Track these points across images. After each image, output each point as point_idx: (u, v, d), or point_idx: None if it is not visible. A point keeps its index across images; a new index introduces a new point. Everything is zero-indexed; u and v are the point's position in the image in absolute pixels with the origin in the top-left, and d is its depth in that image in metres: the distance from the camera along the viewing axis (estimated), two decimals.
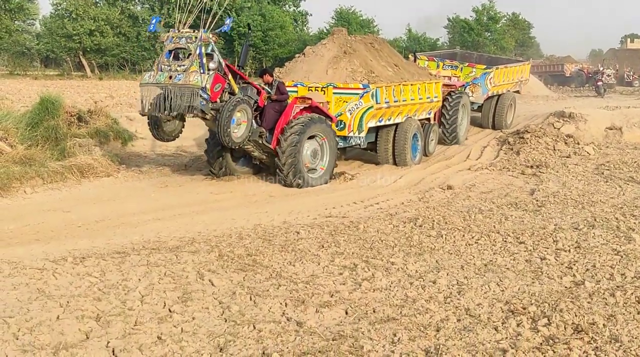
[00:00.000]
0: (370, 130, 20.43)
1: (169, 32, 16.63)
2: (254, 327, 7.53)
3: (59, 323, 7.36)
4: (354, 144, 20.32)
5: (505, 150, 23.01)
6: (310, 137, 17.90)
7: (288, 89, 19.14)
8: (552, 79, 68.72)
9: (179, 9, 16.91)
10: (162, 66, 16.14)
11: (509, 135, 24.68)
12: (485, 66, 29.19)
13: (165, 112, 15.78)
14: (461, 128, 25.80)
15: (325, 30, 75.09)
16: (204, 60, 15.95)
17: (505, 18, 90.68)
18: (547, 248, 10.97)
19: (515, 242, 11.36)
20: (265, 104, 17.67)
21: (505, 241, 11.39)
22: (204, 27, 16.13)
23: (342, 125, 19.39)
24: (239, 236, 11.77)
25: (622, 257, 10.39)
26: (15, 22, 68.60)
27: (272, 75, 18.40)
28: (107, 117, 21.88)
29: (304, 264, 9.99)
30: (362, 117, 19.30)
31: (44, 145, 17.94)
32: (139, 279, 8.94)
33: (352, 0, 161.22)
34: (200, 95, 15.65)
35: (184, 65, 15.89)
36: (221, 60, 16.39)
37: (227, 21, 16.57)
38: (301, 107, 17.96)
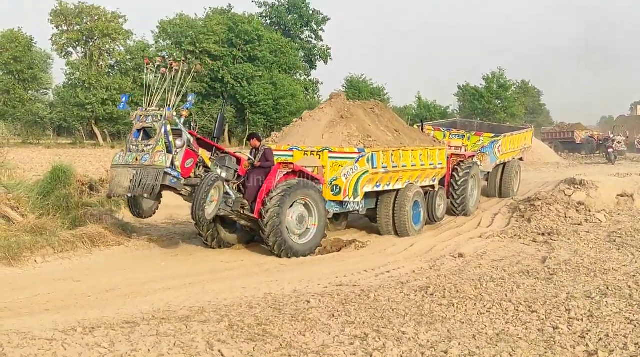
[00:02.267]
0: (369, 196, 20.18)
1: (136, 110, 16.45)
2: None
3: None
4: (351, 209, 20.07)
5: (516, 218, 22.93)
6: (296, 202, 17.44)
7: (283, 153, 19.28)
8: (562, 146, 68.84)
9: (146, 90, 16.52)
10: (131, 146, 15.96)
11: (520, 202, 24.65)
12: (492, 134, 29.05)
13: (134, 193, 15.45)
14: (471, 199, 25.28)
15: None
16: (170, 138, 15.74)
17: (515, 85, 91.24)
18: (560, 317, 10.88)
19: (528, 311, 11.27)
20: (248, 171, 17.42)
21: (518, 310, 11.30)
22: (168, 105, 15.99)
23: (337, 190, 19.04)
24: (249, 305, 11.71)
25: (635, 326, 10.31)
26: (29, 91, 69.39)
27: (259, 140, 18.17)
28: None
29: (315, 333, 9.92)
30: (357, 181, 18.89)
31: (56, 214, 17.96)
32: (149, 350, 8.89)
33: (363, 69, 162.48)
34: (169, 174, 15.49)
35: (150, 145, 15.70)
36: (189, 136, 16.13)
37: (190, 98, 16.55)
38: (284, 172, 17.55)
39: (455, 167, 24.77)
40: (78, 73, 67.02)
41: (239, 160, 17.34)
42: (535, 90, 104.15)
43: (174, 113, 15.95)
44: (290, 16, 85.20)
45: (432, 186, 22.74)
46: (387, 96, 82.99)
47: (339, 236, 20.25)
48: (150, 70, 17.13)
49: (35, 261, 15.52)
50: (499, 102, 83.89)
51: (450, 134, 28.96)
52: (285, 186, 17.11)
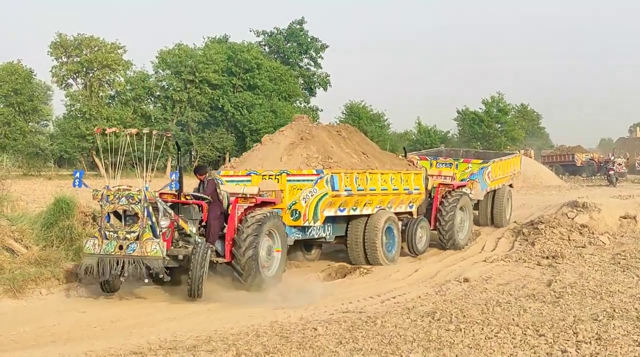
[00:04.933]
0: (339, 222, 19.58)
1: (100, 191, 15.13)
2: None
3: None
4: (316, 236, 19.18)
5: (520, 241, 22.91)
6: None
7: (241, 178, 18.59)
8: (563, 168, 68.89)
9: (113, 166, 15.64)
10: (107, 233, 14.60)
11: (524, 226, 24.62)
12: (481, 161, 28.14)
13: (118, 278, 14.61)
14: (461, 232, 23.42)
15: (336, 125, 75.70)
16: (154, 219, 14.66)
17: (515, 109, 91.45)
18: (568, 340, 10.85)
19: (535, 334, 11.24)
20: (207, 215, 16.12)
21: (525, 334, 11.26)
22: (146, 180, 15.42)
23: (297, 215, 18.13)
24: (255, 334, 11.69)
25: None
26: (29, 123, 69.55)
27: (204, 173, 16.73)
28: None
29: None
30: (317, 205, 18.01)
31: (59, 245, 17.93)
32: None
33: (363, 95, 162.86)
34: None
35: (134, 232, 14.48)
36: (168, 209, 15.05)
37: (173, 176, 15.88)
38: (245, 207, 16.30)
39: (443, 197, 23.29)
40: (78, 104, 67.42)
41: (201, 207, 16.00)
42: (534, 114, 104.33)
43: (154, 192, 15.22)
44: (288, 44, 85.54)
45: (410, 213, 21.88)
46: (387, 122, 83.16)
47: (311, 266, 19.88)
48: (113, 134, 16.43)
49: (40, 292, 15.47)
50: (499, 126, 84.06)
51: (437, 162, 27.91)
52: (256, 224, 15.88)
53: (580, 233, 22.68)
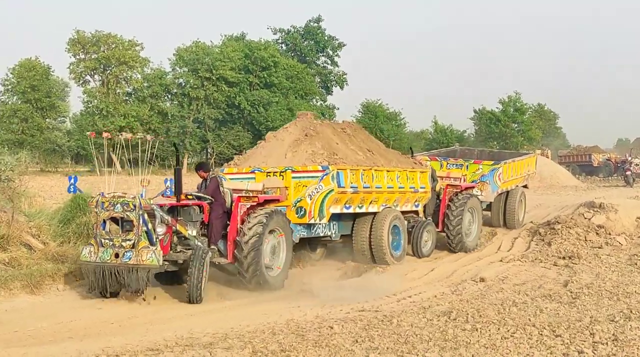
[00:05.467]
0: (344, 220, 19.35)
1: (96, 197, 14.96)
2: None
3: None
4: (321, 234, 18.86)
5: (536, 242, 22.84)
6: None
7: (245, 176, 18.27)
8: (579, 169, 68.62)
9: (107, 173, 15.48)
10: (102, 240, 14.42)
11: (540, 226, 24.54)
12: (492, 162, 27.34)
13: (117, 289, 14.36)
14: (469, 235, 23.02)
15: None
16: (149, 226, 14.39)
17: (531, 109, 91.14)
18: (584, 341, 10.81)
19: (552, 335, 11.21)
20: (209, 215, 15.84)
21: (541, 334, 11.24)
22: (142, 185, 15.23)
23: (302, 212, 17.82)
24: (272, 332, 11.70)
25: None
26: (47, 119, 69.79)
27: (206, 171, 16.61)
28: None
29: None
30: (322, 201, 17.71)
31: (76, 241, 18.00)
32: None
33: (379, 94, 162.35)
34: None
35: (130, 240, 14.26)
36: (165, 216, 14.84)
37: (168, 183, 15.70)
38: (248, 206, 16.02)
39: (451, 199, 22.87)
40: (95, 101, 67.67)
41: (202, 208, 15.72)
42: (551, 114, 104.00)
43: (148, 200, 15.06)
44: (305, 42, 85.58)
45: (416, 212, 21.60)
46: (403, 121, 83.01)
47: (316, 267, 19.52)
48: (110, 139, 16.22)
49: (57, 288, 15.55)
50: (516, 125, 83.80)
51: (447, 163, 27.28)
52: (258, 225, 15.62)
53: (597, 234, 22.59)
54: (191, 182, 25.20)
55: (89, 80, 70.11)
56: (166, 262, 14.57)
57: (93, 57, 68.32)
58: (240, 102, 71.66)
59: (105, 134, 16.29)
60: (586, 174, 66.76)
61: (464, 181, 24.93)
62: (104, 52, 68.04)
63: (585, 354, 10.13)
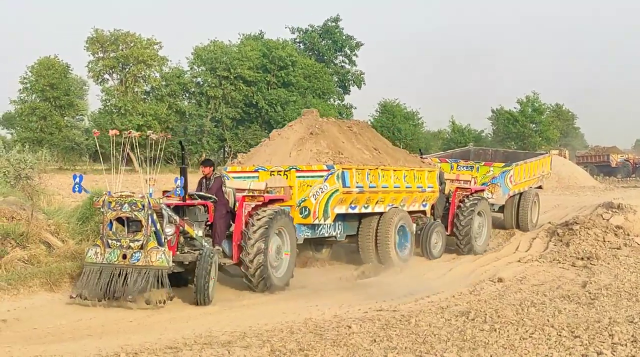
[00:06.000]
0: (350, 220, 19.06)
1: (102, 197, 14.58)
2: None
3: None
4: (326, 235, 18.55)
5: (554, 242, 22.79)
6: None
7: (249, 174, 18.03)
8: (597, 169, 68.42)
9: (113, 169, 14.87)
10: (109, 241, 14.05)
11: (558, 226, 24.47)
12: (503, 164, 27.00)
13: (118, 296, 13.63)
14: (479, 238, 22.76)
15: (370, 123, 75.64)
16: (158, 226, 14.00)
17: (549, 109, 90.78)
18: (603, 342, 10.78)
19: (570, 336, 11.19)
20: (213, 215, 15.40)
21: (560, 335, 11.22)
22: (149, 184, 14.78)
23: (307, 212, 17.56)
24: (290, 331, 11.73)
25: None
26: (65, 118, 69.98)
27: (212, 167, 16.19)
28: None
29: None
30: (327, 202, 17.44)
31: (95, 239, 18.05)
32: None
33: (397, 93, 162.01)
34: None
35: (138, 241, 13.88)
36: (175, 217, 14.46)
37: (178, 182, 15.14)
38: (252, 205, 15.67)
39: (461, 202, 22.71)
40: (113, 99, 67.78)
41: (207, 208, 15.33)
42: (569, 114, 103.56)
43: (158, 199, 14.64)
44: (323, 41, 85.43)
45: (423, 212, 21.26)
46: (421, 120, 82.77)
47: (323, 268, 19.27)
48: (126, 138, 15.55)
49: (76, 286, 15.60)
50: (534, 125, 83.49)
51: (457, 165, 26.88)
52: (263, 228, 15.29)
53: (616, 234, 22.52)
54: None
55: (108, 79, 70.22)
56: (173, 263, 14.19)
57: (111, 55, 68.41)
58: (258, 101, 71.64)
59: (111, 132, 16.05)
60: (604, 175, 66.58)
61: (475, 183, 24.52)
62: (122, 50, 68.13)
63: (604, 355, 10.10)
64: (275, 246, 15.90)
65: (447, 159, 27.56)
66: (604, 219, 23.85)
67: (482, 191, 24.28)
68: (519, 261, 20.19)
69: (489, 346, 10.70)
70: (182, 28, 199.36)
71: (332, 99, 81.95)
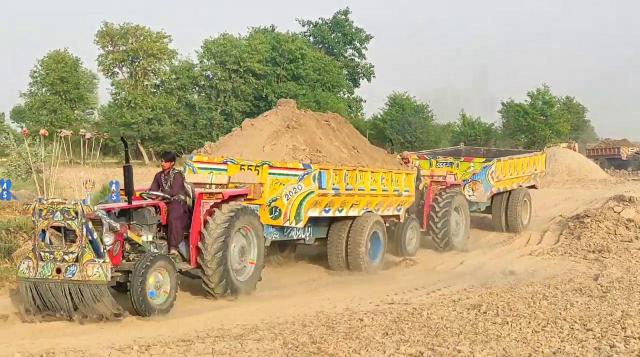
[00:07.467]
0: (320, 223, 17.74)
1: (32, 204, 13.12)
2: None
3: None
4: (295, 238, 17.25)
5: (565, 235, 22.76)
6: (236, 234, 14.48)
7: (216, 166, 16.69)
8: (608, 162, 68.29)
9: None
10: (42, 253, 12.41)
11: (569, 219, 24.44)
12: (484, 159, 25.82)
13: (66, 312, 12.23)
14: (457, 233, 22.26)
15: (379, 116, 75.67)
16: (95, 235, 12.35)
17: (560, 102, 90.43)
18: (616, 335, 10.76)
19: (583, 329, 11.17)
20: (167, 214, 14.00)
21: (573, 328, 11.20)
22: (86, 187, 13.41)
23: (277, 213, 16.10)
24: (302, 324, 11.74)
25: None
26: (75, 111, 70.12)
27: (172, 161, 14.65)
28: None
29: (369, 352, 9.91)
30: (300, 204, 16.02)
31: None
32: None
33: (407, 86, 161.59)
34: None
35: (72, 253, 12.25)
36: (115, 224, 12.64)
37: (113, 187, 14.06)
38: (211, 203, 14.30)
39: (436, 196, 21.96)
40: (123, 93, 67.84)
41: (158, 209, 13.88)
42: (579, 107, 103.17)
43: (93, 207, 13.02)
44: (333, 34, 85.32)
45: (397, 217, 19.87)
46: (430, 113, 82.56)
47: (285, 272, 17.97)
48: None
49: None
50: (544, 118, 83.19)
51: (436, 162, 25.54)
52: (222, 227, 13.95)
53: (627, 227, 22.48)
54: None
55: (117, 72, 70.32)
56: (118, 274, 12.62)
57: (121, 49, 68.51)
58: (268, 95, 71.59)
59: (42, 131, 15.29)
60: (615, 168, 66.44)
61: (455, 179, 23.58)
62: (132, 44, 68.22)
63: (617, 348, 10.08)
64: (239, 246, 14.65)
65: (425, 156, 26.50)
66: (615, 212, 23.81)
67: (458, 185, 23.43)
68: (530, 254, 20.22)
69: (502, 338, 10.69)
70: (192, 21, 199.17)
71: (341, 92, 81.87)
